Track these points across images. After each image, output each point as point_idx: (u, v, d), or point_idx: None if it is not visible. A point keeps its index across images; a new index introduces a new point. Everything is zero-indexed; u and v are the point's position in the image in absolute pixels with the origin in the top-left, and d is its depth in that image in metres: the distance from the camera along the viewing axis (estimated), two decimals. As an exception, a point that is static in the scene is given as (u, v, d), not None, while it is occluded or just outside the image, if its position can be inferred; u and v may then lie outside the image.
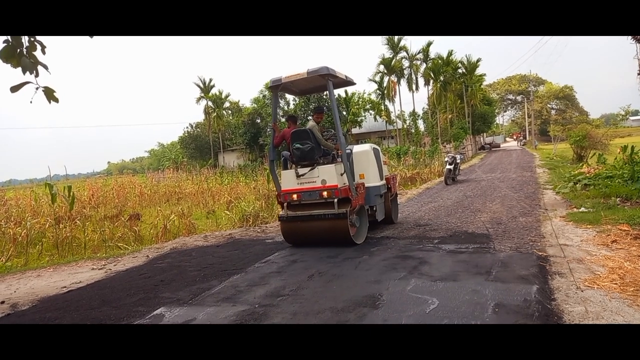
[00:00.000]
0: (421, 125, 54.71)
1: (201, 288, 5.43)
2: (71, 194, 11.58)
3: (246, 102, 56.54)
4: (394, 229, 8.37)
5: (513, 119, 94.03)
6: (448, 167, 16.53)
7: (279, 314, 4.25)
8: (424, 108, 55.94)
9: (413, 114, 51.52)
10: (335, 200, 6.59)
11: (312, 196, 6.86)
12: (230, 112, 55.85)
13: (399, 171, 19.29)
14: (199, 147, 56.66)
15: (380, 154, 8.44)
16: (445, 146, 35.07)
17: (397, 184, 9.14)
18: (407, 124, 53.91)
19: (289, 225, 7.17)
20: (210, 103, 53.58)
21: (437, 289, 4.49)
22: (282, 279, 5.50)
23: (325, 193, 6.70)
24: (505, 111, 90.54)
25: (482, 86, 54.07)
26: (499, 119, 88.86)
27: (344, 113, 48.79)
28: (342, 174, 6.78)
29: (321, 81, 7.15)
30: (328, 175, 6.79)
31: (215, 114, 53.12)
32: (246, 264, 6.47)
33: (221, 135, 54.72)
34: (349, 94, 49.35)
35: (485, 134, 60.65)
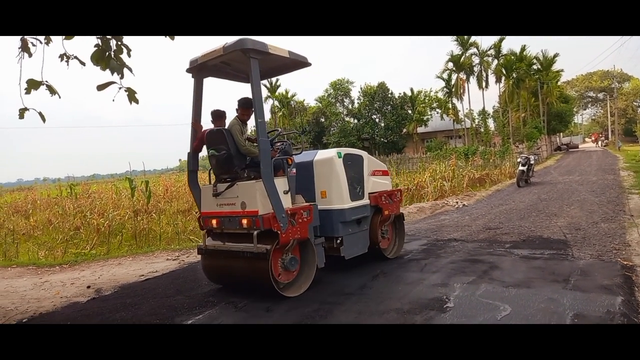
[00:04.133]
0: (491, 124, 52.46)
1: (268, 282, 5.56)
2: (148, 188, 12.33)
3: (311, 101, 57.15)
4: (461, 231, 8.11)
5: (593, 118, 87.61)
6: (521, 168, 15.73)
7: (344, 312, 4.27)
8: (494, 106, 53.50)
9: (483, 112, 49.45)
10: (255, 233, 4.61)
11: (232, 224, 4.98)
12: (295, 111, 56.81)
13: (467, 172, 18.57)
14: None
15: (367, 161, 6.18)
16: (517, 146, 33.41)
17: (399, 203, 6.53)
18: (476, 123, 51.95)
19: (209, 261, 5.43)
20: (276, 102, 54.82)
21: (509, 295, 4.29)
22: (346, 277, 5.50)
23: (245, 221, 4.77)
24: (584, 109, 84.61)
25: (559, 83, 50.77)
26: (577, 118, 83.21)
27: (409, 112, 47.93)
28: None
29: (278, 61, 5.31)
30: (248, 195, 4.78)
31: (281, 113, 54.27)
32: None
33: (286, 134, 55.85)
34: (415, 92, 48.46)
35: (562, 133, 57.04)
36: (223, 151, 5.03)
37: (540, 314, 3.74)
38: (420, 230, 8.60)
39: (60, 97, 4.04)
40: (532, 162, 16.48)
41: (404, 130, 47.98)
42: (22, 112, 3.91)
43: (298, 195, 5.27)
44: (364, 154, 6.21)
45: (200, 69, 5.35)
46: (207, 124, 5.46)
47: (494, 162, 25.22)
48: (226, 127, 5.24)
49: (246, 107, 5.23)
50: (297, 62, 5.49)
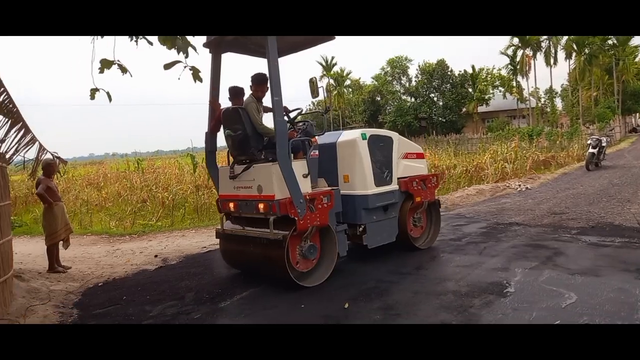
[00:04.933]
0: (559, 103, 49.56)
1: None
2: (209, 164, 12.78)
3: (367, 79, 56.34)
4: (524, 215, 7.80)
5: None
6: (591, 150, 14.78)
7: (401, 291, 4.28)
8: (563, 85, 50.49)
9: (550, 91, 46.85)
10: (271, 219, 4.36)
11: (249, 208, 4.74)
12: (350, 89, 56.36)
13: (531, 154, 17.69)
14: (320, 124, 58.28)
15: (398, 143, 5.66)
16: (587, 127, 31.39)
17: (434, 189, 6.00)
18: (542, 102, 49.22)
19: (227, 245, 5.27)
20: (332, 81, 54.55)
21: (575, 283, 4.11)
22: (402, 257, 5.49)
23: (261, 206, 4.51)
24: (666, 88, 77.72)
25: (636, 59, 46.89)
26: (657, 97, 76.58)
27: (469, 90, 46.12)
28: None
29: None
30: (265, 178, 4.50)
31: (336, 91, 54.01)
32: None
33: (341, 113, 55.61)
34: (476, 70, 46.51)
35: (638, 114, 52.91)
36: (239, 131, 4.73)
37: (609, 304, 3.55)
38: (479, 213, 8.37)
39: (132, 76, 4.21)
40: (603, 144, 15.42)
41: (464, 109, 46.40)
42: (93, 93, 4.06)
43: (320, 179, 5.02)
44: (394, 135, 5.73)
45: (218, 44, 5.01)
46: (226, 102, 5.25)
47: (560, 144, 23.90)
48: (237, 106, 4.91)
49: (259, 82, 4.86)
50: (319, 36, 5.05)
